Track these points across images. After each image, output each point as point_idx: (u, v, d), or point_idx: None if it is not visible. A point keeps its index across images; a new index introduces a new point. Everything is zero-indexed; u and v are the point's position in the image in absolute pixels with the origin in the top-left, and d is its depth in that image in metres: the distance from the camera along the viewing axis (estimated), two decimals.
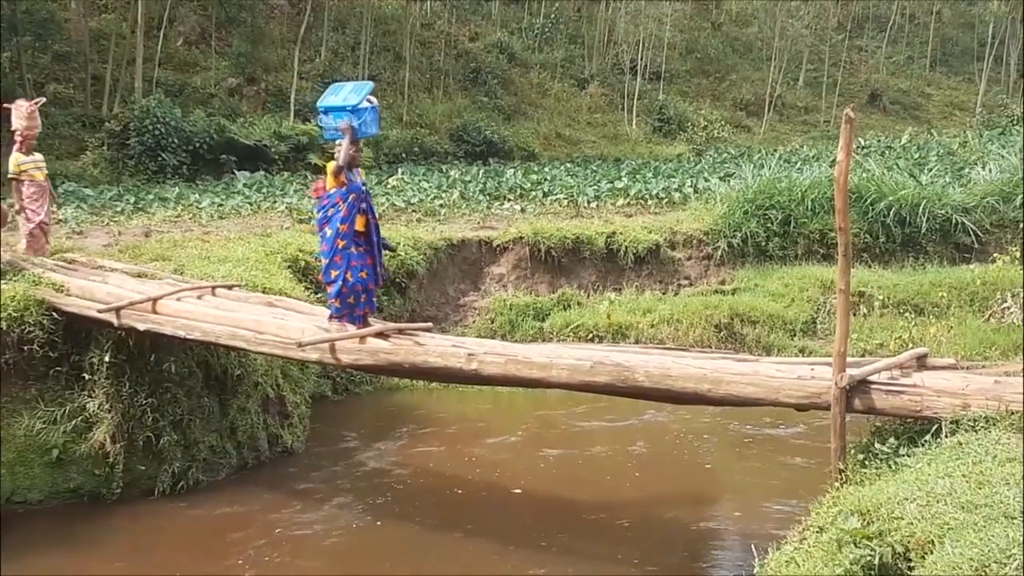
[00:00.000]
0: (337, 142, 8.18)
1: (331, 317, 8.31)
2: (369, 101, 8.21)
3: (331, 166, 8.15)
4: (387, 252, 9.53)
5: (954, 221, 17.12)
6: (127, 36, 28.33)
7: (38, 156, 11.41)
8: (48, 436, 9.07)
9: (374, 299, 8.63)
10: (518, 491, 9.83)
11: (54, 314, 9.24)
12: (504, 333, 14.33)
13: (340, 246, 8.06)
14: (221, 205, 19.22)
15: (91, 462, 9.23)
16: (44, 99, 12.43)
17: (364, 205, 8.17)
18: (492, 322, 14.92)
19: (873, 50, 49.08)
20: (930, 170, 20.80)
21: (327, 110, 8.20)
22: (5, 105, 11.67)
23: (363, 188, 8.23)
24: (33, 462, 9.03)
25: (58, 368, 9.35)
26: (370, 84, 8.46)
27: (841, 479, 6.00)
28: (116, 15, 29.53)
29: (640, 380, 6.99)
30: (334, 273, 8.11)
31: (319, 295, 12.42)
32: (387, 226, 14.45)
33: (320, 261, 8.42)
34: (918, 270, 16.17)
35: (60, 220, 14.64)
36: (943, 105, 45.77)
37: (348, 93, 8.23)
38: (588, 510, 9.34)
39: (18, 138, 11.16)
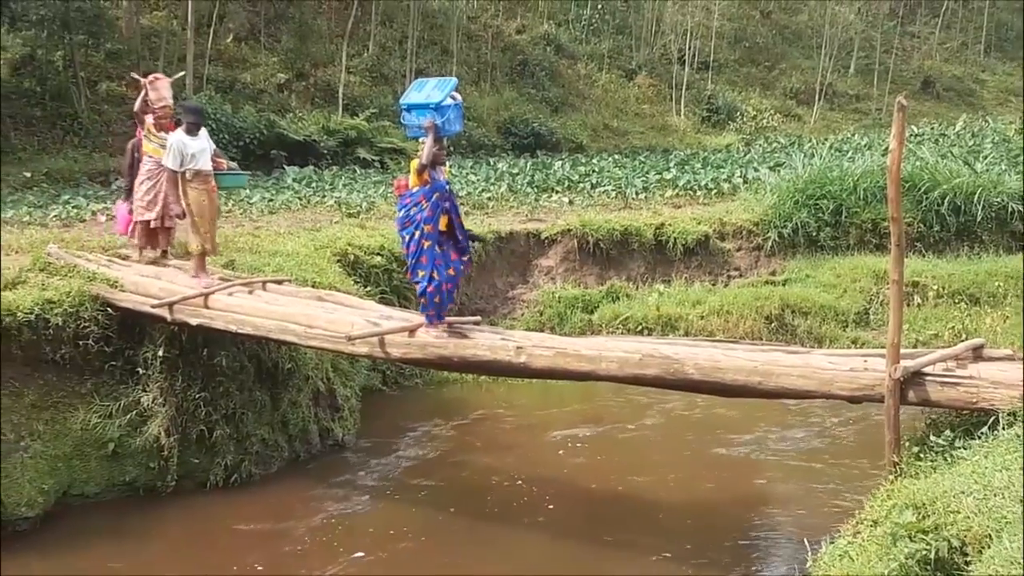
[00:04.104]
0: (420, 140, 7.98)
1: (428, 324, 8.09)
2: (453, 98, 8.05)
3: (414, 164, 7.98)
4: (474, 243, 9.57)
5: (1010, 209, 16.78)
6: (177, 33, 28.67)
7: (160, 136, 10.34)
8: (104, 430, 9.22)
9: (455, 296, 8.59)
10: (567, 485, 9.82)
11: (109, 309, 9.39)
12: (553, 326, 14.25)
13: (425, 246, 7.93)
14: (271, 200, 19.33)
15: (146, 455, 9.37)
16: (183, 73, 11.50)
17: (447, 204, 8.03)
18: (541, 315, 14.86)
19: (926, 36, 48.34)
20: (985, 158, 20.38)
21: (410, 107, 8.04)
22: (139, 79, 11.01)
23: (447, 187, 8.07)
24: (89, 456, 9.20)
25: (113, 363, 9.49)
26: (454, 80, 8.27)
27: (895, 472, 5.94)
28: (167, 13, 29.87)
29: (690, 373, 6.97)
30: (421, 273, 7.98)
31: (368, 289, 12.52)
32: None
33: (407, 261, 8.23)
34: (973, 259, 15.87)
35: (113, 217, 14.79)
36: (998, 91, 45.02)
37: (431, 90, 8.07)
38: (638, 505, 9.30)
39: None
